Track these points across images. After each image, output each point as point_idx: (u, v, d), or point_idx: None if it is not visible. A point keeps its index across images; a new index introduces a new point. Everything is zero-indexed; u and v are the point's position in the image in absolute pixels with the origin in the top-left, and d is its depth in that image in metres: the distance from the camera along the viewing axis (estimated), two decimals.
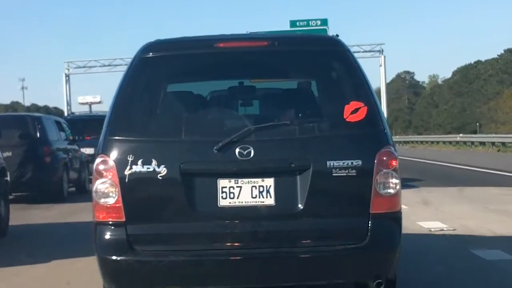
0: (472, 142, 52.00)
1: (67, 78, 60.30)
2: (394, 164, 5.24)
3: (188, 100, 5.83)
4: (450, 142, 57.80)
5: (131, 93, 5.44)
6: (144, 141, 5.28)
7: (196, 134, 5.32)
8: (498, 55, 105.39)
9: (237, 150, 5.13)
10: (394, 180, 5.24)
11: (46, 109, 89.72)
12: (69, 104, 56.81)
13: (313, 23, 54.07)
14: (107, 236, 5.23)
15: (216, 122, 5.59)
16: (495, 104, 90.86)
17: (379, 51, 56.37)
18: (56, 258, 8.94)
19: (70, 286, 7.47)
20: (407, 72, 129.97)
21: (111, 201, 5.21)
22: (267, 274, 5.19)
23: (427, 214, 12.67)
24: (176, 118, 5.54)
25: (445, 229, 10.68)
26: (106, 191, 5.21)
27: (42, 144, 16.79)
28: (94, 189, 5.25)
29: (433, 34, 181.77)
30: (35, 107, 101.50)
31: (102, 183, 5.22)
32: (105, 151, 5.25)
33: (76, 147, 19.24)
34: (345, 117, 5.28)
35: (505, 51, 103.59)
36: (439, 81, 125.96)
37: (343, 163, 5.17)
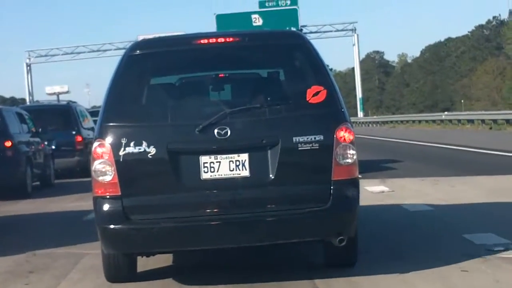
0: (459, 120, 49.42)
1: (28, 67, 60.69)
2: (351, 138, 6.35)
3: (171, 90, 6.96)
4: (434, 121, 54.91)
5: (121, 86, 6.54)
6: (135, 126, 6.37)
7: (180, 118, 6.44)
8: (469, 32, 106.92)
9: (215, 130, 6.23)
10: (351, 152, 6.35)
11: (12, 101, 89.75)
12: (31, 94, 57.32)
13: (283, 3, 54.92)
14: (106, 208, 6.30)
15: (196, 108, 6.71)
16: (468, 81, 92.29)
17: (351, 29, 57.40)
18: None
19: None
20: (377, 52, 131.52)
21: (108, 178, 6.28)
22: (245, 236, 6.29)
23: None
24: (162, 106, 6.64)
25: None
26: (103, 170, 6.28)
27: (2, 137, 16.21)
28: (93, 168, 6.32)
29: (400, 12, 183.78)
30: (1, 99, 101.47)
31: (100, 163, 6.29)
32: (101, 135, 6.33)
33: (39, 139, 18.57)
34: (307, 99, 6.40)
35: (476, 27, 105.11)
36: (409, 60, 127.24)
37: (307, 138, 6.27)
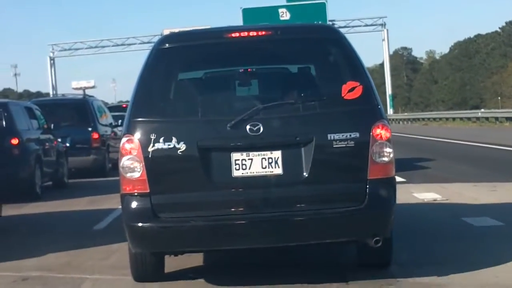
0: (497, 118, 47.51)
1: (52, 61, 60.90)
2: (388, 135, 6.22)
3: (201, 85, 6.87)
4: (469, 119, 53.40)
5: (150, 80, 6.44)
6: (164, 121, 6.27)
7: (210, 114, 6.32)
8: (499, 28, 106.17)
9: (248, 126, 6.12)
10: (388, 150, 6.23)
11: (38, 95, 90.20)
12: (55, 88, 57.54)
13: None
14: (134, 205, 6.21)
15: (227, 103, 6.62)
16: (499, 78, 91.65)
17: (381, 24, 56.81)
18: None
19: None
20: (405, 49, 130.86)
21: (136, 175, 6.18)
22: (277, 235, 6.17)
23: None
24: (192, 101, 6.55)
25: None
26: (131, 166, 6.19)
27: (8, 135, 15.07)
28: (121, 165, 6.23)
29: (429, 9, 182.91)
30: (27, 93, 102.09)
31: (128, 159, 6.19)
32: (130, 131, 6.24)
33: (51, 136, 17.44)
34: (343, 95, 6.28)
35: (506, 23, 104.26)
36: (437, 57, 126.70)
37: (342, 135, 6.15)
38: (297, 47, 6.68)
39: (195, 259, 7.52)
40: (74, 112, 20.63)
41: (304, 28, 7.11)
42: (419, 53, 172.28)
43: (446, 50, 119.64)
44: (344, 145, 6.16)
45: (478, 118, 51.34)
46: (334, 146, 6.16)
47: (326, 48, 6.63)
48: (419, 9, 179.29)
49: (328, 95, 6.37)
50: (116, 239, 8.66)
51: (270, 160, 6.17)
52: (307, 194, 6.16)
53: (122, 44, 59.08)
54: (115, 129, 21.71)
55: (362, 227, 6.24)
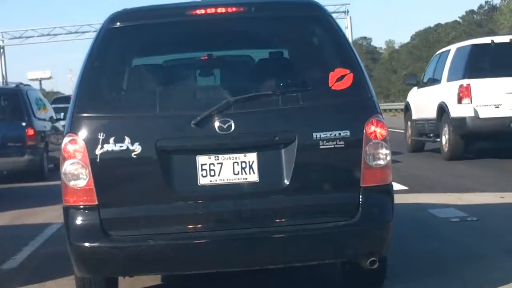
0: None
1: (1, 50, 59.32)
2: (384, 133, 5.24)
3: (160, 73, 5.82)
4: None
5: (98, 67, 5.37)
6: (115, 117, 5.22)
7: (171, 109, 5.26)
8: (459, 17, 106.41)
9: (216, 124, 5.09)
10: (384, 151, 5.24)
11: None
12: (5, 78, 55.91)
13: None
14: (79, 221, 5.16)
15: (192, 95, 5.57)
16: None
17: (344, 12, 55.76)
18: None
19: None
20: (364, 38, 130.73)
21: (81, 183, 5.14)
22: (254, 256, 5.17)
23: None
24: (149, 92, 5.50)
25: None
26: (76, 172, 5.14)
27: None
28: (62, 170, 5.17)
29: None
30: None
31: (72, 164, 5.14)
32: (74, 129, 5.18)
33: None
34: (330, 85, 5.27)
35: (466, 12, 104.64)
36: (396, 47, 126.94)
37: (330, 134, 5.15)
38: (275, 26, 5.62)
39: (154, 278, 6.48)
40: (5, 104, 17.48)
41: (283, 4, 5.96)
42: (378, 43, 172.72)
43: (405, 40, 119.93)
44: (332, 146, 5.17)
45: None
46: (320, 146, 5.16)
47: (309, 28, 5.62)
48: None
49: (313, 85, 5.36)
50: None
51: (244, 165, 5.16)
52: (288, 205, 5.17)
53: (76, 32, 57.64)
54: (56, 124, 19.04)
55: (354, 246, 5.26)
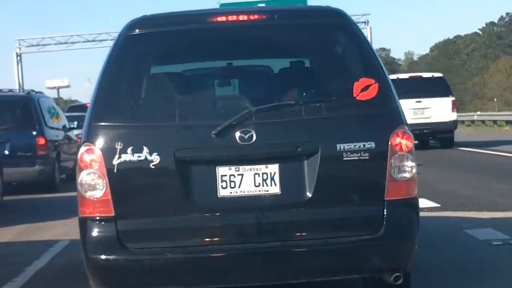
0: (495, 121, 45.91)
1: (18, 57, 59.37)
2: (409, 145, 5.10)
3: (180, 81, 5.65)
4: (462, 122, 51.07)
5: (116, 75, 5.26)
6: (133, 126, 5.10)
7: (191, 118, 5.13)
8: (478, 29, 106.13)
9: (237, 134, 4.97)
10: (410, 163, 5.10)
11: None
12: (21, 86, 55.97)
13: None
14: (95, 233, 5.05)
15: (213, 104, 5.45)
16: (480, 80, 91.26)
17: (364, 22, 55.54)
18: None
19: None
20: (383, 49, 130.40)
21: (98, 194, 5.02)
22: (274, 271, 5.03)
23: None
24: (168, 101, 5.36)
25: None
26: (92, 183, 5.02)
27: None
28: (79, 181, 5.05)
29: (407, 10, 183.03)
30: None
31: (88, 174, 5.03)
32: (90, 139, 5.06)
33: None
34: (354, 95, 5.14)
35: (486, 24, 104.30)
36: (415, 58, 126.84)
37: (354, 146, 5.02)
38: (299, 35, 5.47)
39: None
40: (16, 112, 16.69)
41: (307, 11, 5.81)
42: (397, 54, 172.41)
43: (424, 51, 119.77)
44: (356, 158, 5.02)
45: (473, 121, 50.34)
46: (343, 158, 5.01)
47: (333, 37, 5.48)
48: (397, 10, 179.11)
49: (337, 95, 5.21)
50: None
51: (265, 176, 5.02)
52: (311, 218, 5.02)
53: (94, 40, 57.61)
54: (69, 133, 18.50)
55: (378, 261, 5.10)
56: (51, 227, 10.73)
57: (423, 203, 10.74)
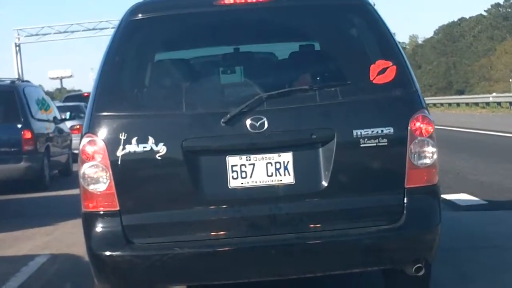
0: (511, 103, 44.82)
1: (17, 47, 59.30)
2: (430, 130, 4.90)
3: (186, 68, 5.49)
4: (476, 104, 51.29)
5: (119, 62, 5.06)
6: (138, 116, 4.91)
7: (199, 106, 4.93)
8: (484, 11, 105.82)
9: (248, 121, 4.77)
10: (431, 149, 4.91)
11: None
12: (20, 77, 55.88)
13: None
14: (99, 228, 4.87)
15: (221, 91, 5.27)
16: (487, 61, 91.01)
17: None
18: None
19: None
20: None
21: (102, 187, 4.84)
22: (290, 264, 4.85)
23: None
24: (174, 89, 5.17)
25: None
26: (95, 176, 4.84)
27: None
28: (81, 174, 4.87)
29: None
30: None
31: (91, 166, 4.84)
32: (93, 129, 4.87)
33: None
34: (371, 78, 4.93)
35: (492, 5, 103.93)
36: (420, 41, 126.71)
37: (372, 131, 4.82)
38: (311, 16, 5.26)
39: None
40: None
41: None
42: (402, 37, 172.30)
43: (429, 34, 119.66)
44: (374, 144, 4.82)
45: (487, 103, 49.52)
46: (361, 145, 4.82)
47: (348, 18, 5.27)
48: None
49: (352, 79, 5.00)
50: None
51: (278, 166, 4.82)
52: (327, 209, 4.83)
53: (94, 29, 57.49)
54: (61, 125, 17.26)
55: (399, 252, 4.93)
56: (30, 237, 9.47)
57: (465, 199, 10.17)
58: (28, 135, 14.69)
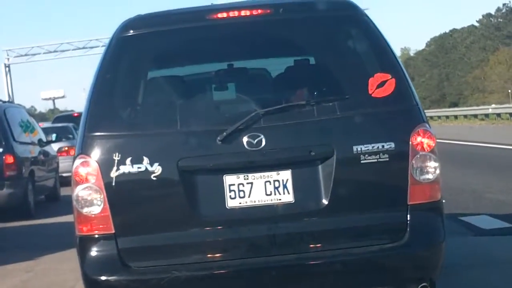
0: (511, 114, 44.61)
1: (7, 68, 59.25)
2: (432, 144, 4.81)
3: (180, 85, 5.40)
4: (475, 116, 51.20)
5: (111, 80, 4.98)
6: (131, 135, 4.82)
7: (194, 124, 4.84)
8: (476, 21, 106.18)
9: (245, 139, 4.69)
10: (433, 164, 4.82)
11: None
12: (11, 98, 55.85)
13: None
14: (94, 252, 4.79)
15: (217, 108, 5.19)
16: (480, 72, 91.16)
17: None
18: None
19: None
20: None
21: (96, 210, 4.74)
22: (291, 286, 4.77)
23: None
24: (168, 107, 5.08)
25: None
26: (89, 198, 4.75)
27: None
28: (74, 196, 4.77)
29: (401, 6, 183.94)
30: None
31: (84, 188, 4.75)
32: (85, 150, 4.78)
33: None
34: (370, 92, 4.85)
35: (483, 16, 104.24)
36: (411, 54, 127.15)
37: (372, 147, 4.73)
38: (306, 29, 5.18)
39: None
40: None
41: (315, 3, 5.54)
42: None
43: (420, 47, 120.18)
44: (375, 160, 4.73)
45: (486, 115, 49.44)
46: (361, 161, 4.73)
47: (344, 30, 5.20)
48: (391, 6, 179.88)
49: (351, 93, 4.90)
50: None
51: (277, 184, 4.73)
52: (328, 228, 4.74)
53: (84, 48, 57.50)
54: (47, 148, 16.67)
55: (403, 270, 4.85)
56: (7, 275, 8.52)
57: (487, 222, 9.48)
58: (10, 159, 14.00)
